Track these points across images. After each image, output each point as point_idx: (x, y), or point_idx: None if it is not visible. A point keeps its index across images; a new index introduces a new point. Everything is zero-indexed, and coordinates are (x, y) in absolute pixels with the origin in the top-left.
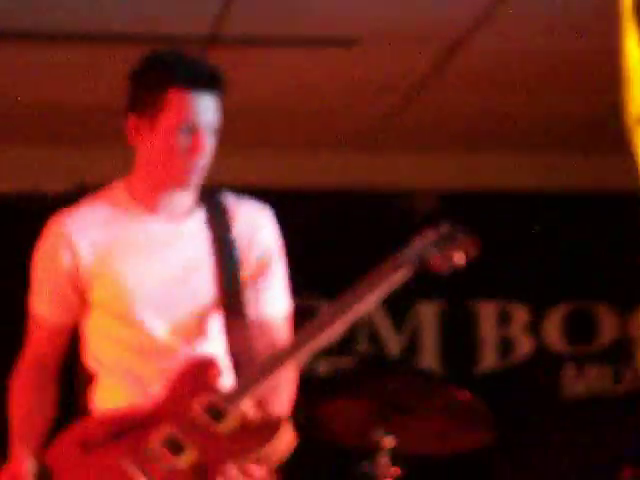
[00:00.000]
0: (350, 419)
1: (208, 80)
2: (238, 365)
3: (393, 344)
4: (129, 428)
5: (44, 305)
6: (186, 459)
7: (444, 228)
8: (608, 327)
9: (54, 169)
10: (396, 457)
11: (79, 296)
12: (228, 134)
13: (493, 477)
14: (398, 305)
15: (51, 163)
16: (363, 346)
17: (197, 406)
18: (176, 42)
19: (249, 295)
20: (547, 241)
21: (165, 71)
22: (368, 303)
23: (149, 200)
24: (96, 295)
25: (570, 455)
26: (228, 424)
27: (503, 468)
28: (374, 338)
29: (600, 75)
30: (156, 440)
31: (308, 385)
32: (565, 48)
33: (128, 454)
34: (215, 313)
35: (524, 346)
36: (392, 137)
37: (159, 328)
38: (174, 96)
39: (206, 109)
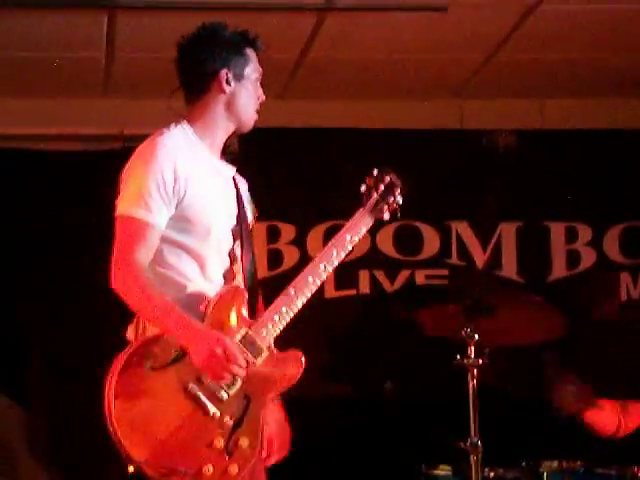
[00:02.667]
0: (445, 319)
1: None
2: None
3: (479, 258)
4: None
5: (155, 214)
6: (234, 389)
7: (384, 178)
8: None
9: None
10: (481, 350)
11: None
12: (339, 84)
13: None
14: (484, 226)
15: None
16: (454, 260)
17: (238, 343)
18: (295, 9)
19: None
20: (605, 171)
21: (244, 35)
22: (349, 248)
23: (211, 142)
24: (182, 209)
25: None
26: (262, 359)
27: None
28: (464, 253)
29: None
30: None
31: (411, 293)
32: (620, 10)
33: (192, 378)
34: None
35: (588, 258)
36: (476, 86)
37: (224, 242)
38: (252, 54)
39: None
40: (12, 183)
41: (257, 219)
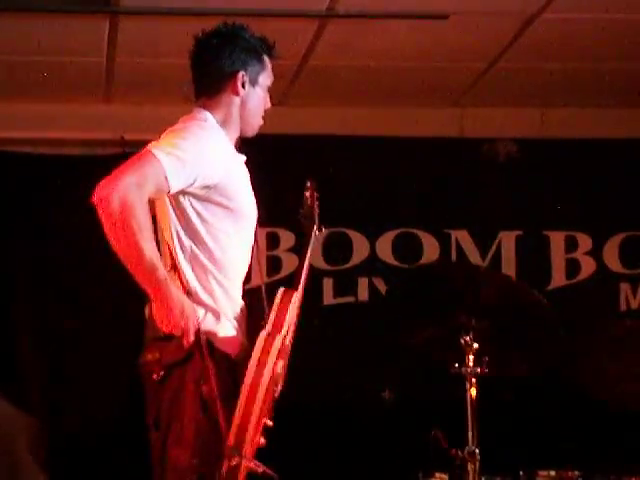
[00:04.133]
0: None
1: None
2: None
3: None
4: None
5: (179, 181)
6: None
7: (314, 191)
8: None
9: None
10: (480, 359)
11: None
12: (340, 91)
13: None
14: (483, 235)
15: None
16: None
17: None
18: (296, 16)
19: None
20: (606, 181)
21: (263, 41)
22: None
23: (233, 140)
24: (222, 195)
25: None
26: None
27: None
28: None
29: None
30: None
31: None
32: (620, 20)
33: (274, 382)
34: None
35: (588, 267)
36: (476, 95)
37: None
38: (267, 62)
39: None
40: (11, 186)
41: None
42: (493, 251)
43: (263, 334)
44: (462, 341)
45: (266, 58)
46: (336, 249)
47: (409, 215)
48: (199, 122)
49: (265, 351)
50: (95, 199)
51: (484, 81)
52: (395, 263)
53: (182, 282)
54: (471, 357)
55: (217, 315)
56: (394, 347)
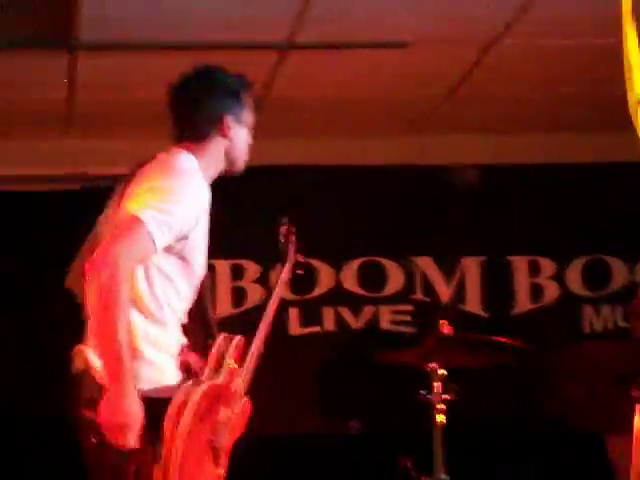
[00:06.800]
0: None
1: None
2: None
3: (443, 293)
4: (212, 405)
5: (164, 243)
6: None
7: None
8: (618, 275)
9: None
10: (447, 385)
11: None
12: (301, 121)
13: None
14: (447, 261)
15: None
16: (419, 295)
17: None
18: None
19: None
20: (566, 205)
21: (240, 79)
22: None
23: (211, 180)
24: (185, 246)
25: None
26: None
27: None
28: (428, 289)
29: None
30: (221, 421)
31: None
32: (580, 45)
33: (211, 430)
34: None
35: (551, 291)
36: (437, 122)
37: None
38: (247, 99)
39: None
40: None
41: (221, 257)
42: (457, 277)
43: (180, 395)
44: (428, 367)
45: (245, 95)
46: (301, 278)
47: (373, 243)
48: (182, 173)
49: (172, 423)
50: (86, 270)
51: (444, 108)
52: (360, 292)
53: None
54: (438, 384)
55: (157, 367)
56: (361, 376)
